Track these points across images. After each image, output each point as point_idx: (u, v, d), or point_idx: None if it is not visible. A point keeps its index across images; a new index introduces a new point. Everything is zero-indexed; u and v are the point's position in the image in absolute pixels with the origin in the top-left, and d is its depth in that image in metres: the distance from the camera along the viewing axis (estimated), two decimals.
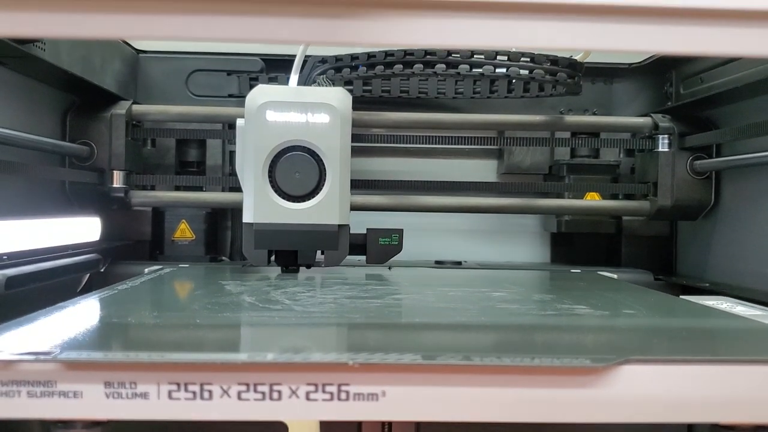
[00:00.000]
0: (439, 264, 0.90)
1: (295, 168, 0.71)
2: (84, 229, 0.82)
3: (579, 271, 0.79)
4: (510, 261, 1.04)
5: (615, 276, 0.74)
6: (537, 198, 0.93)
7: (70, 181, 0.85)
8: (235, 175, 0.96)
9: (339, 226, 0.72)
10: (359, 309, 0.48)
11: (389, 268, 0.75)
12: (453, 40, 0.34)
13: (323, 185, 0.72)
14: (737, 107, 0.85)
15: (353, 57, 0.82)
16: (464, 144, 0.91)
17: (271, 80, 0.96)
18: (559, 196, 0.97)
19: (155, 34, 0.33)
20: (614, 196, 0.96)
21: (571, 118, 0.92)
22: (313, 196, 0.72)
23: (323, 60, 0.83)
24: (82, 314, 0.45)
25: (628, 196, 0.96)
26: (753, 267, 0.80)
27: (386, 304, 0.51)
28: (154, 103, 0.93)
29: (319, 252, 0.74)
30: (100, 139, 0.85)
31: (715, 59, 0.81)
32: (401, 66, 0.79)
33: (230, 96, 0.97)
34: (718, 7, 0.34)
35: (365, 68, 0.81)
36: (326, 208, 0.71)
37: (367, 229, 0.76)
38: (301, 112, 0.71)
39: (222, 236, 1.00)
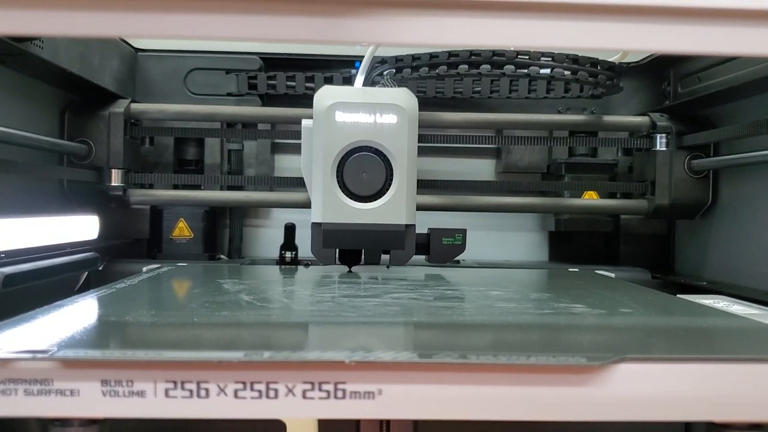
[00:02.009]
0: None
1: (363, 168, 0.72)
2: (82, 227, 0.82)
3: (576, 270, 0.80)
4: (508, 260, 1.04)
5: (612, 275, 0.74)
6: (535, 197, 0.94)
7: (69, 180, 0.85)
8: (234, 173, 0.97)
9: (406, 225, 0.73)
10: (356, 308, 0.48)
11: (387, 267, 0.75)
12: (454, 39, 0.34)
13: (390, 185, 0.72)
14: (735, 106, 0.85)
15: (414, 57, 0.82)
16: (462, 143, 0.92)
17: (270, 79, 0.96)
18: (558, 195, 0.97)
19: (153, 32, 0.34)
20: (612, 195, 0.97)
21: (569, 117, 0.93)
22: (381, 196, 0.73)
23: (383, 60, 0.83)
24: (80, 313, 0.45)
25: (626, 195, 0.96)
26: (750, 266, 0.80)
27: (384, 302, 0.51)
28: (153, 102, 0.93)
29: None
30: (98, 137, 0.86)
31: (713, 59, 0.81)
32: (446, 67, 0.81)
33: (229, 95, 0.97)
34: (720, 7, 0.34)
35: (410, 70, 0.82)
36: (393, 207, 0.72)
37: (430, 228, 0.77)
38: (369, 113, 0.72)
39: (220, 235, 1.00)
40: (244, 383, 0.32)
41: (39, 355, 0.31)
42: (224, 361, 0.32)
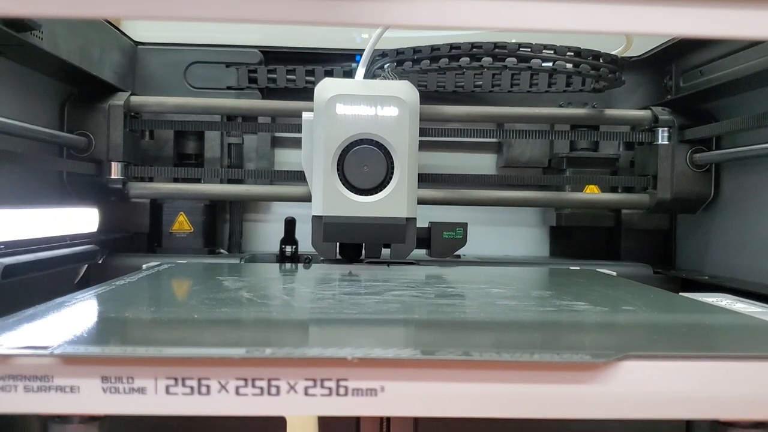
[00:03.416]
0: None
1: (364, 161, 0.72)
2: (82, 220, 0.82)
3: (578, 268, 0.79)
4: (509, 255, 1.03)
5: (614, 273, 0.73)
6: (536, 191, 0.93)
7: (68, 172, 0.84)
8: (234, 167, 0.97)
9: (407, 219, 0.73)
10: (357, 305, 0.48)
11: (388, 265, 0.75)
12: (455, 21, 0.33)
13: (391, 178, 0.72)
14: (737, 100, 0.85)
15: (415, 50, 0.82)
16: (464, 136, 0.91)
17: (270, 72, 0.95)
18: (559, 189, 0.97)
19: (154, 13, 0.33)
20: (614, 190, 0.96)
21: (571, 111, 0.92)
22: (381, 190, 0.72)
23: (384, 53, 0.83)
24: (79, 310, 0.44)
25: (628, 189, 0.96)
26: (752, 260, 0.80)
27: (385, 300, 0.50)
28: (153, 95, 0.92)
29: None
30: (98, 130, 0.85)
31: (715, 52, 0.81)
32: (447, 60, 0.80)
33: (229, 88, 0.96)
34: None
35: (411, 62, 0.82)
36: (394, 201, 0.72)
37: (431, 222, 0.77)
38: (370, 106, 0.71)
39: (220, 229, 1.00)
40: (245, 380, 0.32)
41: (39, 352, 0.31)
42: (226, 358, 0.31)
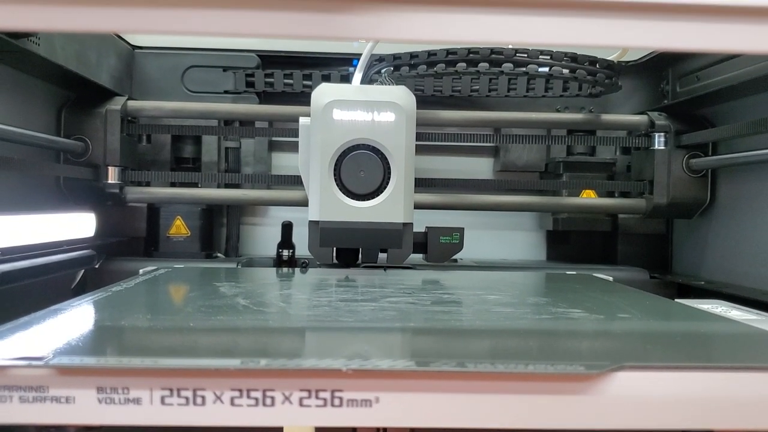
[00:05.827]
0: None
1: (360, 166, 0.72)
2: (78, 224, 0.82)
3: (574, 273, 0.79)
4: (506, 259, 1.04)
5: (610, 278, 0.74)
6: (533, 196, 0.93)
7: (65, 177, 0.84)
8: (231, 171, 0.97)
9: (404, 224, 0.73)
10: (353, 312, 0.48)
11: (384, 270, 0.75)
12: (453, 36, 0.33)
13: (388, 184, 0.72)
14: (733, 105, 0.85)
15: (412, 55, 0.82)
16: (460, 141, 0.91)
17: (267, 76, 0.95)
18: (556, 193, 0.97)
19: (150, 27, 0.33)
20: (610, 194, 0.97)
21: (568, 116, 0.92)
22: (378, 195, 0.73)
23: (381, 58, 0.83)
24: (75, 318, 0.44)
25: (624, 194, 0.96)
26: (748, 265, 0.80)
27: (381, 307, 0.51)
28: (150, 100, 0.92)
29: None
30: (95, 134, 0.85)
31: (712, 58, 0.81)
32: (444, 65, 0.80)
33: (226, 92, 0.96)
34: (721, 4, 0.33)
35: (408, 68, 0.82)
36: (391, 206, 0.73)
37: (427, 227, 0.77)
38: (366, 111, 0.72)
39: (217, 233, 1.00)
40: (240, 391, 0.32)
41: (34, 362, 0.31)
42: (221, 369, 0.31)
